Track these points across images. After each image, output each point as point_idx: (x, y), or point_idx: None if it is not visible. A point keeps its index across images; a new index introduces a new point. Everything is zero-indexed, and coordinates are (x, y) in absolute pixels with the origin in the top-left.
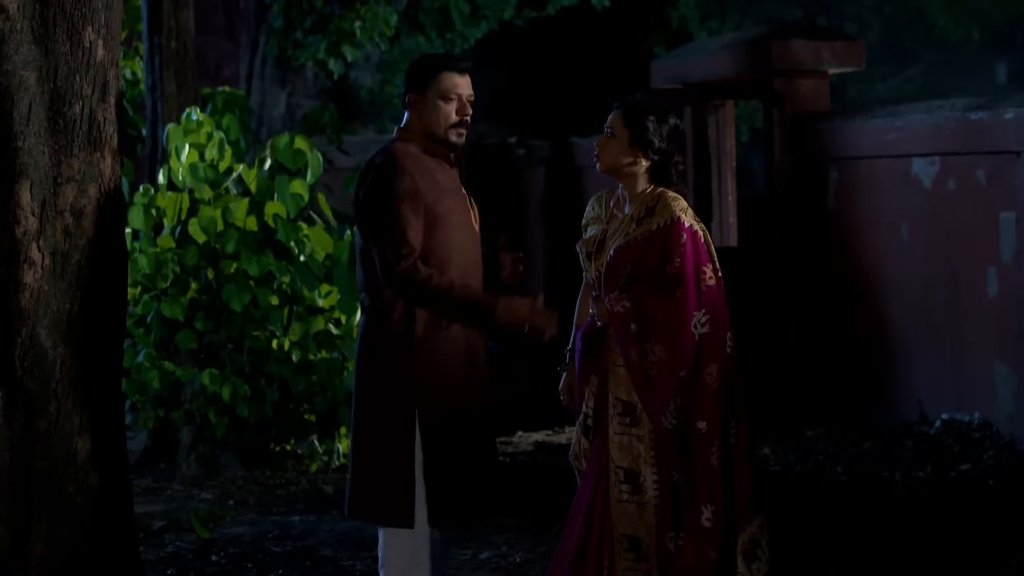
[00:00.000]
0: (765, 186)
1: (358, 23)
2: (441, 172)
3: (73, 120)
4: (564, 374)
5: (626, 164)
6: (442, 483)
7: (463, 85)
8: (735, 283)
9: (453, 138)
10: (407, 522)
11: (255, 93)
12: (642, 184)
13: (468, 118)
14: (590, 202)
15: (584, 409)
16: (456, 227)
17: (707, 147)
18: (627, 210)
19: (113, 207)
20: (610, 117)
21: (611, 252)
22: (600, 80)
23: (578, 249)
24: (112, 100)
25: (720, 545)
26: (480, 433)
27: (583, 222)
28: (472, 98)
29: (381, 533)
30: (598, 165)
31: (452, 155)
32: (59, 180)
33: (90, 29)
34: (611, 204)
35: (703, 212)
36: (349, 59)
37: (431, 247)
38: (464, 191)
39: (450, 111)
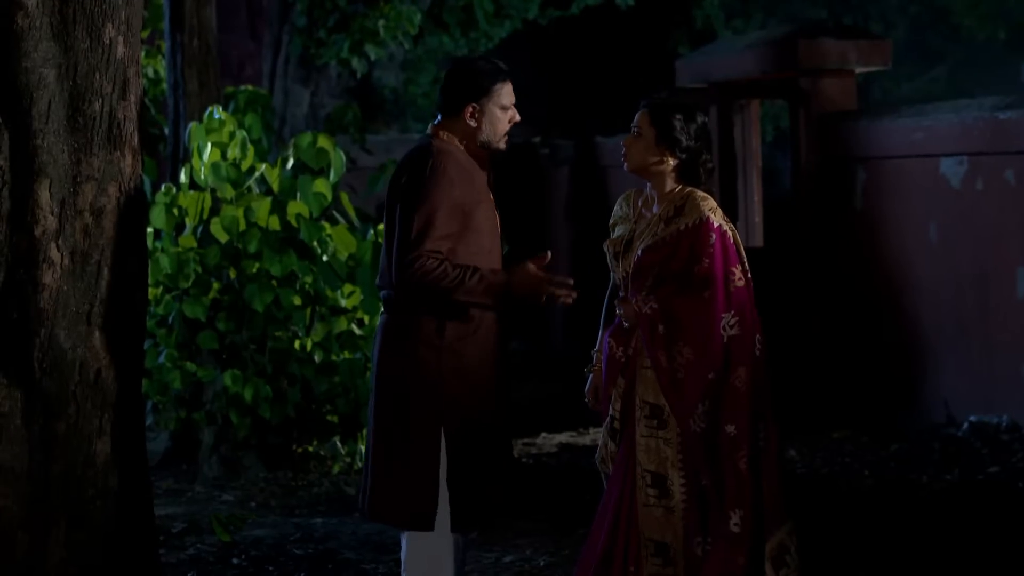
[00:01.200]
0: (791, 186)
1: (382, 22)
2: (478, 176)
3: (93, 118)
4: (590, 376)
5: (653, 163)
6: (465, 488)
7: (513, 95)
8: (760, 284)
9: (503, 145)
10: (428, 525)
11: (278, 92)
12: (670, 183)
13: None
14: (618, 201)
15: (611, 412)
16: (486, 233)
17: (732, 147)
18: (655, 210)
19: (134, 206)
20: (637, 116)
21: (639, 252)
22: (624, 80)
23: (605, 249)
24: (132, 98)
25: (748, 551)
26: (502, 438)
27: (611, 222)
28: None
29: (404, 537)
30: (625, 165)
31: (484, 159)
32: (79, 179)
33: (110, 26)
34: (639, 203)
35: (728, 212)
36: (372, 58)
37: (461, 252)
38: (491, 196)
39: (506, 120)
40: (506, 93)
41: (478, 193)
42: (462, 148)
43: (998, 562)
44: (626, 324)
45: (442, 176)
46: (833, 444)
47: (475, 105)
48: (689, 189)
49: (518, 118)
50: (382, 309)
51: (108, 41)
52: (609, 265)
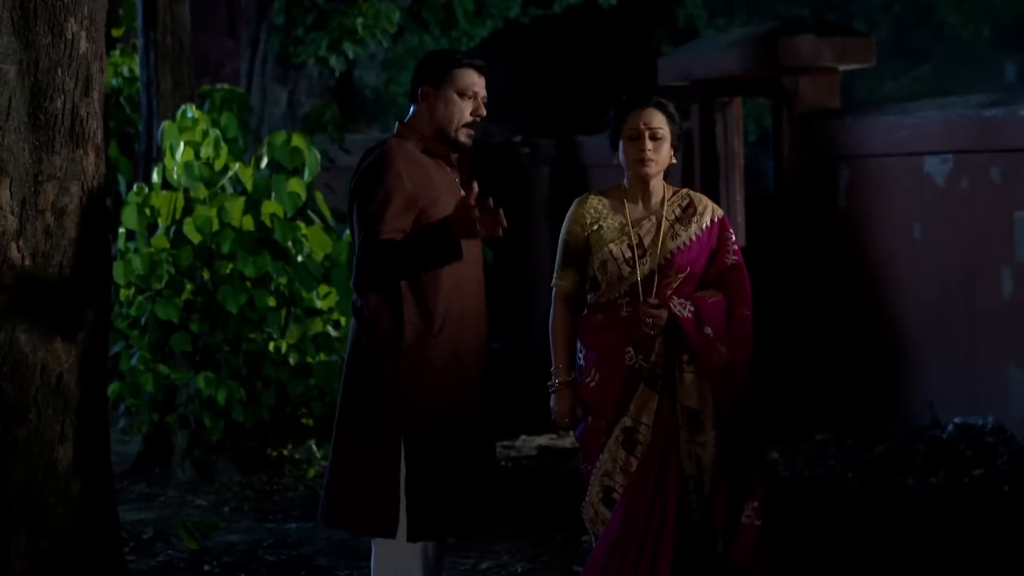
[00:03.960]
0: (774, 184)
1: (360, 20)
2: (438, 172)
3: (55, 115)
4: (554, 395)
5: (668, 165)
6: (423, 497)
7: (480, 84)
8: None
9: (463, 138)
10: (390, 532)
11: (256, 91)
12: (662, 182)
13: (479, 119)
14: (583, 208)
15: (624, 423)
16: None
17: (715, 145)
18: (654, 211)
19: (97, 205)
20: (653, 117)
21: (669, 254)
22: (606, 79)
23: (608, 256)
24: (96, 95)
25: (762, 540)
26: (470, 444)
27: (579, 231)
28: (486, 99)
29: (373, 545)
30: (650, 170)
31: (455, 156)
32: (40, 178)
33: (73, 20)
34: (611, 207)
35: None
36: (351, 56)
37: None
38: (461, 193)
39: (465, 109)
40: (465, 78)
41: (436, 189)
42: (420, 143)
43: (982, 565)
44: (651, 332)
45: (387, 170)
46: (817, 446)
47: (430, 87)
48: (685, 189)
49: (483, 112)
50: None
51: (71, 36)
52: (603, 273)
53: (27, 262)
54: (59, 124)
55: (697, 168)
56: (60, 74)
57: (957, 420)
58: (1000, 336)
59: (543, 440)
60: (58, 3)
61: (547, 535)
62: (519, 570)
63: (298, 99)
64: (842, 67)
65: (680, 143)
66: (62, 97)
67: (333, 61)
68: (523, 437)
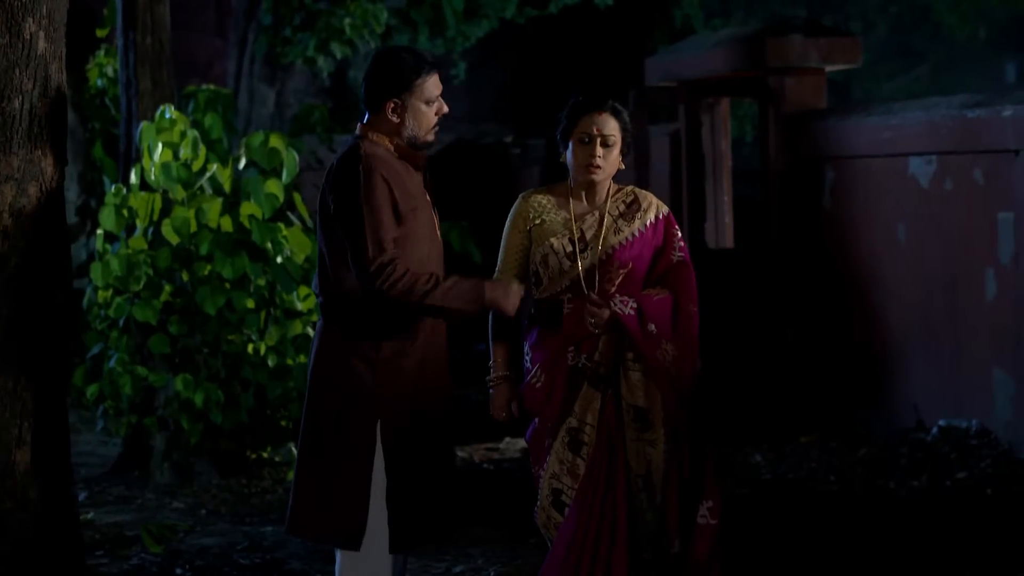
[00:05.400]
0: (761, 186)
1: (347, 20)
2: (408, 177)
3: (12, 116)
4: (494, 390)
5: (617, 168)
6: (406, 507)
7: (439, 85)
8: (730, 286)
9: (431, 138)
10: (353, 544)
11: (243, 91)
12: (607, 181)
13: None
14: (523, 204)
15: (570, 424)
16: (426, 238)
17: (700, 146)
18: (596, 208)
19: (55, 207)
20: (607, 123)
21: (611, 250)
22: (603, 79)
23: (549, 250)
24: (55, 95)
25: (718, 539)
26: (441, 451)
27: (525, 224)
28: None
29: (338, 556)
30: (596, 176)
31: (418, 159)
32: None
33: (31, 20)
34: (547, 203)
35: (696, 212)
36: (338, 57)
37: (402, 258)
38: (428, 197)
39: (432, 114)
40: (430, 86)
41: (412, 196)
42: (391, 148)
43: (960, 569)
44: (596, 330)
45: (375, 177)
46: (800, 449)
47: (396, 101)
48: (630, 187)
49: (446, 109)
50: (319, 316)
51: (28, 36)
52: (543, 269)
53: None
54: (17, 125)
55: (683, 169)
56: (18, 74)
57: (942, 423)
58: (984, 338)
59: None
60: (15, 3)
61: (523, 539)
62: (492, 574)
63: (286, 99)
64: (829, 67)
65: (630, 148)
66: (20, 98)
67: (321, 62)
68: (507, 439)
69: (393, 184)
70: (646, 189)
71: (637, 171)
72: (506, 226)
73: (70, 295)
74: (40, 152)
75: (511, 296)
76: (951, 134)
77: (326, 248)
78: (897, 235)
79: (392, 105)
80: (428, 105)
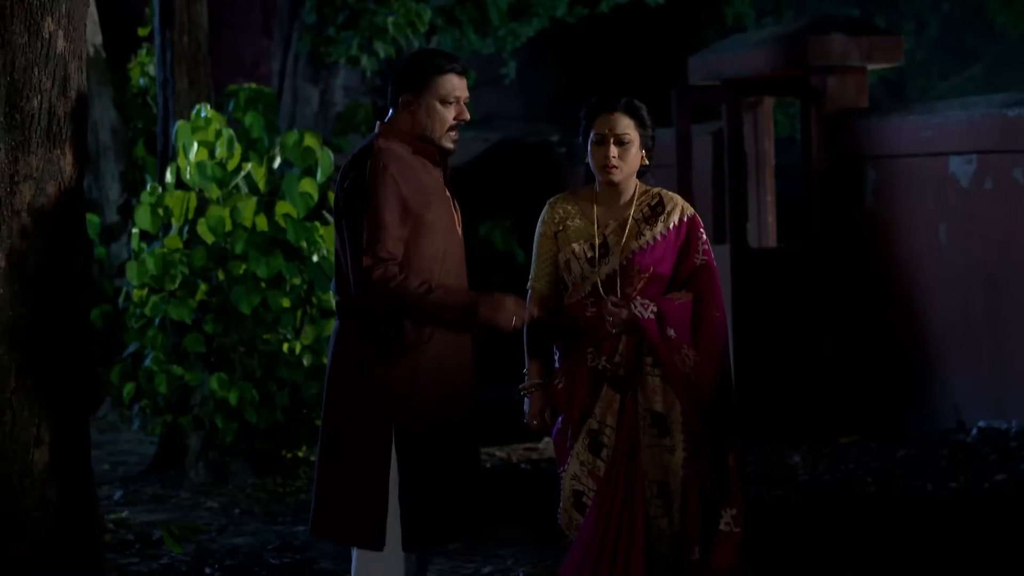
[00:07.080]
0: (803, 185)
1: (391, 19)
2: (426, 173)
3: (31, 115)
4: (528, 398)
5: (638, 168)
6: (418, 506)
7: (461, 87)
8: (772, 285)
9: (448, 143)
10: (377, 543)
11: (287, 90)
12: (634, 182)
13: (463, 123)
14: (549, 210)
15: (590, 425)
16: (442, 234)
17: (742, 144)
18: (622, 210)
19: (74, 206)
20: (619, 122)
21: (632, 253)
22: (654, 78)
23: (571, 256)
24: (74, 94)
25: (741, 548)
26: (461, 450)
27: (550, 230)
28: (467, 100)
29: (354, 554)
30: (614, 176)
31: (436, 153)
32: (16, 178)
33: (50, 19)
34: (572, 208)
35: (738, 211)
36: (382, 55)
37: (416, 255)
38: (448, 193)
39: (448, 115)
40: (447, 84)
41: (428, 192)
42: (407, 145)
43: (990, 572)
44: (614, 330)
45: (383, 173)
46: (840, 450)
47: (410, 96)
48: (657, 189)
49: (466, 116)
50: (336, 316)
51: (47, 35)
52: (570, 274)
53: (2, 263)
54: (36, 124)
55: (726, 168)
56: (36, 73)
57: (982, 424)
58: None
59: (544, 444)
60: (35, 2)
61: (552, 540)
62: (520, 574)
63: (330, 98)
64: (871, 66)
65: (653, 145)
66: (39, 97)
67: (364, 61)
68: (546, 439)
69: (405, 180)
70: (688, 188)
71: (679, 170)
72: (536, 234)
73: (89, 295)
74: (59, 151)
75: (505, 312)
76: (991, 133)
77: (340, 247)
78: (938, 234)
79: (405, 100)
80: (444, 104)
